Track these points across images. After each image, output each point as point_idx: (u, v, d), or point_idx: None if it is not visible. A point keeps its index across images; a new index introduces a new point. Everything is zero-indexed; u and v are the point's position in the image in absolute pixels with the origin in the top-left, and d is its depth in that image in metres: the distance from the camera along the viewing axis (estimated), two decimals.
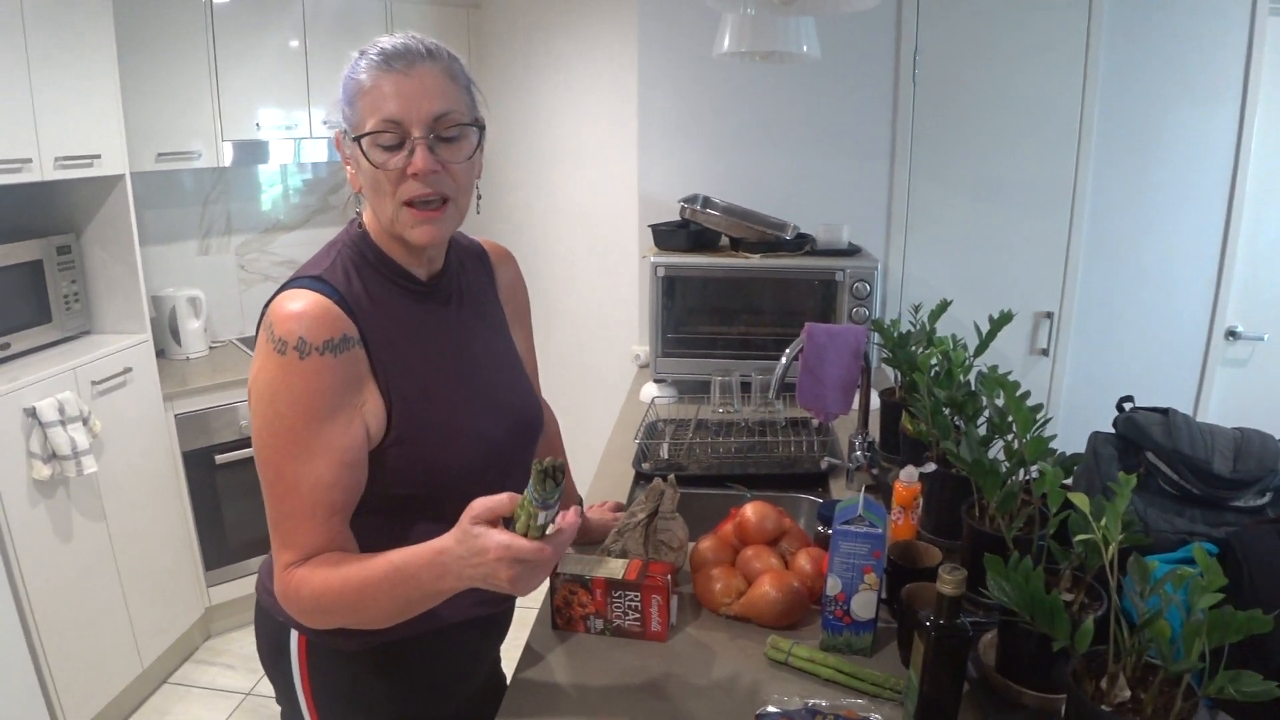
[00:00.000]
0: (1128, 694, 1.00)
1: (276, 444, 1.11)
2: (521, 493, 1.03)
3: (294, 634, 1.29)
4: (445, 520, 1.06)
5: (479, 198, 1.28)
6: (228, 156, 3.36)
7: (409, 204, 1.15)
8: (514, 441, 1.35)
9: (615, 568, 1.44)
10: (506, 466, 1.33)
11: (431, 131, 1.13)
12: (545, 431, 1.49)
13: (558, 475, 0.98)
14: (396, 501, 1.21)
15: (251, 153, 3.48)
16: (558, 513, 1.01)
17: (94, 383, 2.76)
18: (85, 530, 2.71)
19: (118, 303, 3.04)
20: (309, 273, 1.18)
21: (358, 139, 1.13)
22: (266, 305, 1.15)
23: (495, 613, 1.39)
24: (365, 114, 1.12)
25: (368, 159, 1.13)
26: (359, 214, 1.26)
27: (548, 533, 1.00)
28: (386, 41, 1.14)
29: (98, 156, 2.76)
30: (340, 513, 1.13)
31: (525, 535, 0.99)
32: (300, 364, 1.09)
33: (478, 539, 0.99)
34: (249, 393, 1.14)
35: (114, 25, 2.81)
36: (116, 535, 2.84)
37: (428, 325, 1.26)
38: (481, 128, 1.21)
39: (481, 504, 1.01)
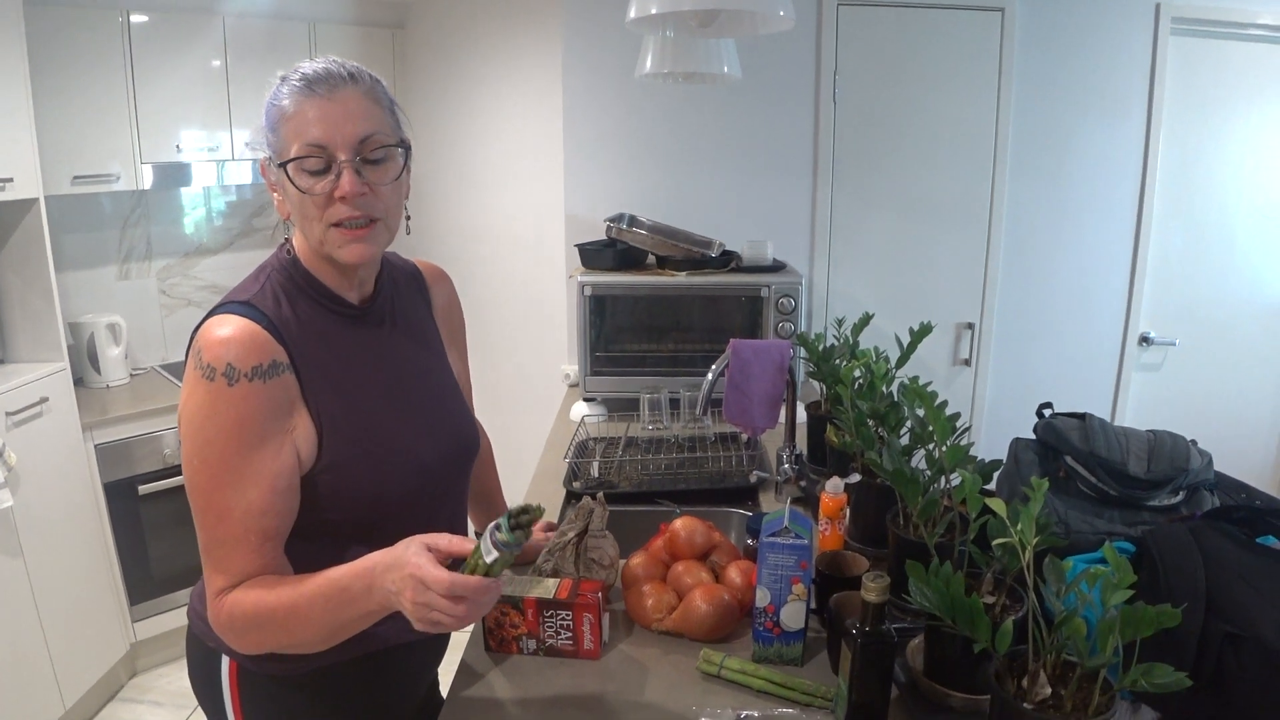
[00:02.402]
0: (1049, 691, 1.03)
1: (207, 471, 1.10)
2: (453, 517, 1.02)
3: (225, 660, 1.27)
4: (378, 545, 1.05)
5: (408, 218, 1.28)
6: (147, 179, 3.28)
7: (337, 225, 1.14)
8: (449, 465, 1.35)
9: (547, 587, 1.44)
10: (441, 491, 1.33)
11: (357, 154, 1.13)
12: (479, 454, 1.49)
13: (527, 524, 0.99)
14: (329, 526, 1.20)
15: (172, 175, 3.41)
16: (506, 559, 1.00)
17: (9, 413, 2.67)
18: (1, 567, 2.62)
19: (33, 330, 2.95)
20: (237, 298, 1.17)
21: (283, 165, 1.13)
22: (195, 331, 1.14)
23: (425, 638, 1.38)
24: (289, 139, 1.12)
25: (294, 184, 1.13)
26: (288, 239, 1.25)
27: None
28: (308, 66, 1.14)
29: (10, 180, 2.68)
30: (273, 539, 1.12)
31: (474, 571, 0.99)
32: (229, 390, 1.08)
33: (404, 550, 1.00)
34: (179, 420, 1.13)
35: (26, 44, 2.73)
36: (35, 571, 2.74)
37: (360, 349, 1.25)
38: (407, 148, 1.21)
39: (438, 537, 1.02)
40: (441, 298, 1.47)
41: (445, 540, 1.02)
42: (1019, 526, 1.11)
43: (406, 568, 0.99)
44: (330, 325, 1.22)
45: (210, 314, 1.16)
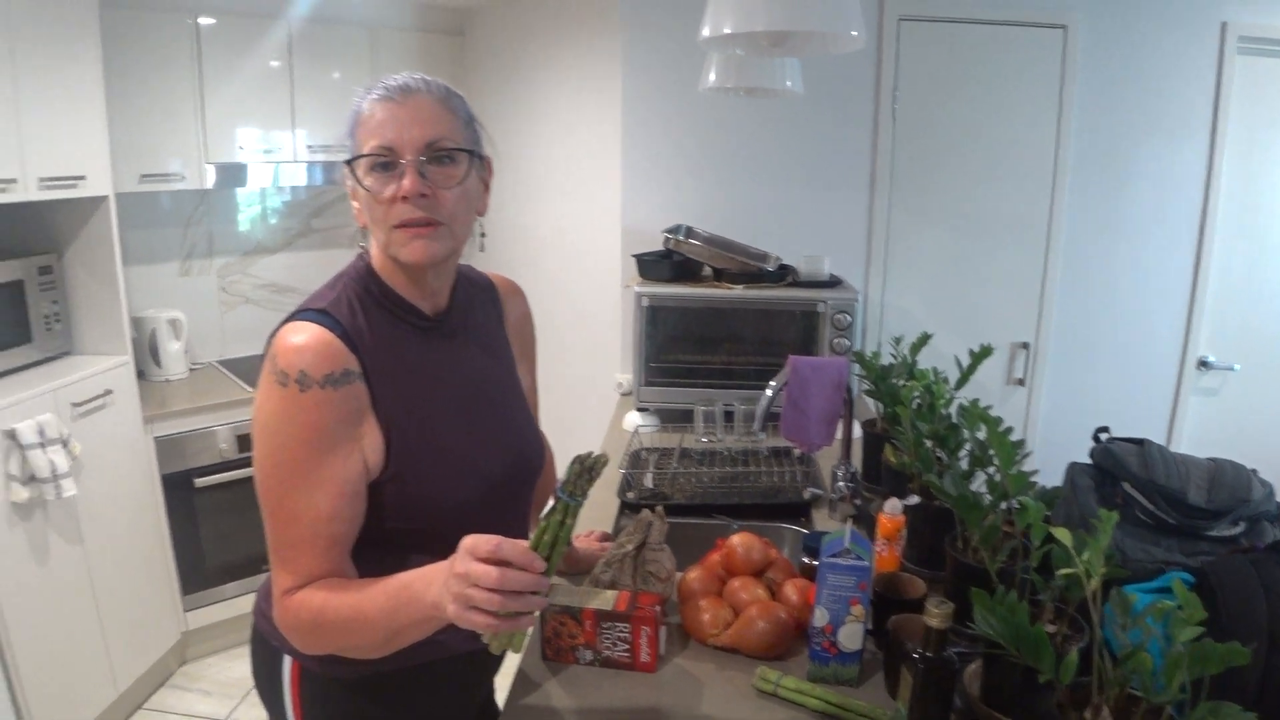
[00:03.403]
0: None
1: (277, 475, 1.12)
2: (516, 531, 1.04)
3: (287, 660, 1.29)
4: (440, 555, 1.07)
5: (483, 234, 1.30)
6: (210, 179, 3.36)
7: (400, 225, 1.16)
8: (513, 479, 1.36)
9: (605, 599, 1.45)
10: (504, 503, 1.34)
11: (422, 155, 1.14)
12: (544, 467, 1.51)
13: (593, 469, 1.04)
14: (393, 535, 1.22)
15: (233, 175, 3.49)
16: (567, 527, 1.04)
17: (74, 404, 2.74)
18: (62, 553, 2.69)
19: (99, 324, 3.03)
20: (313, 305, 1.19)
21: (350, 162, 1.17)
22: (271, 336, 1.17)
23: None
24: (361, 141, 1.16)
25: (361, 184, 1.16)
26: (365, 248, 1.28)
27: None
28: (391, 79, 1.17)
29: (82, 177, 2.76)
30: (340, 543, 1.14)
31: (546, 556, 1.02)
32: (301, 397, 1.11)
33: (470, 557, 1.00)
34: (252, 423, 1.15)
35: (101, 46, 2.81)
36: (94, 559, 2.82)
37: (431, 360, 1.27)
38: (477, 156, 1.22)
39: (486, 536, 1.02)
40: (515, 312, 1.49)
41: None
42: (1084, 556, 1.10)
43: (454, 567, 1.01)
44: (402, 336, 1.24)
45: (286, 320, 1.18)
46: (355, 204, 1.21)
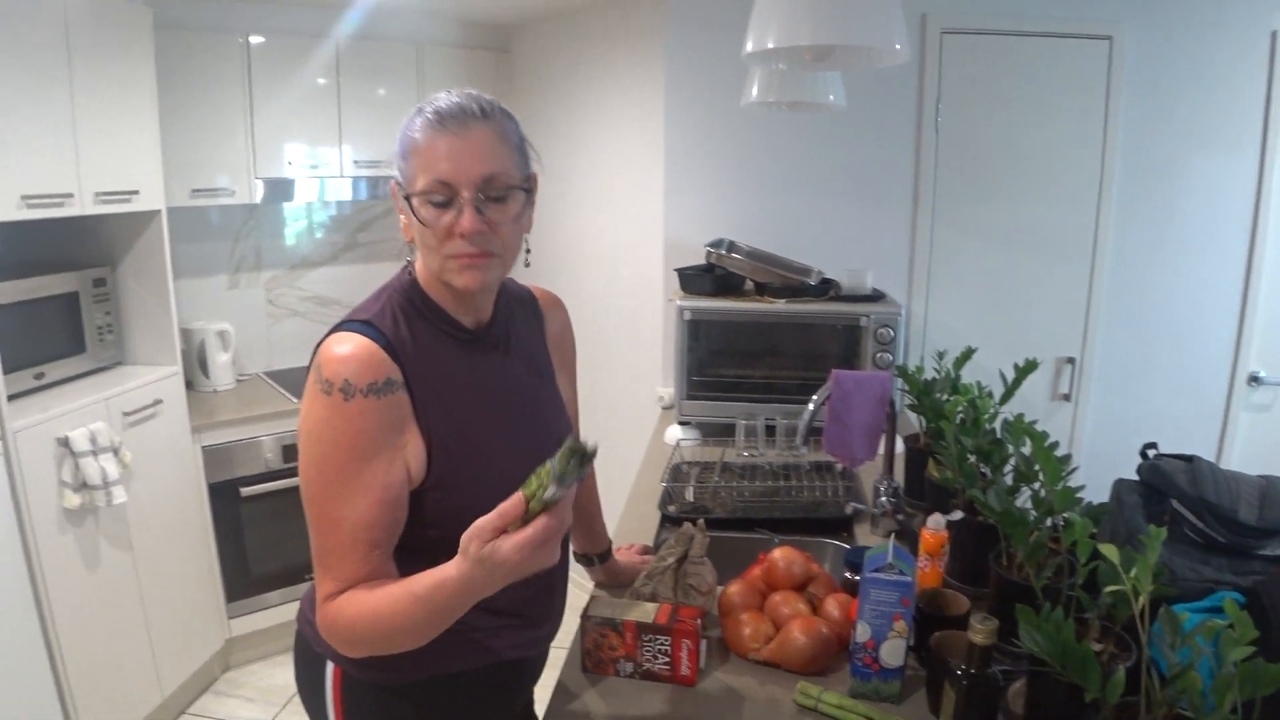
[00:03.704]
0: None
1: (321, 481, 1.14)
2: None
3: (330, 665, 1.31)
4: None
5: (528, 251, 1.31)
6: (259, 194, 3.43)
7: (453, 256, 1.18)
8: None
9: (646, 611, 1.45)
10: None
11: (480, 192, 1.15)
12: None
13: (585, 458, 1.00)
14: (432, 543, 1.22)
15: (281, 190, 3.55)
16: (567, 491, 1.02)
17: (125, 413, 2.80)
18: (112, 559, 2.74)
19: (150, 335, 3.10)
20: (358, 317, 1.21)
21: (408, 197, 1.17)
22: (317, 347, 1.19)
23: (529, 655, 1.41)
24: (417, 171, 1.16)
25: (417, 217, 1.16)
26: (410, 262, 1.29)
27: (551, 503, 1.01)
28: (443, 100, 1.17)
29: (136, 192, 2.83)
30: (381, 548, 1.16)
31: (529, 503, 1.00)
32: (345, 405, 1.13)
33: (493, 556, 1.00)
34: (298, 431, 1.17)
35: (154, 65, 2.89)
36: (142, 565, 2.87)
37: (473, 372, 1.28)
38: (529, 189, 1.24)
39: (478, 526, 1.02)
40: (555, 324, 1.50)
41: (483, 529, 1.02)
42: (1132, 574, 1.09)
43: (508, 562, 1.01)
44: (445, 348, 1.26)
45: (332, 331, 1.20)
46: (403, 217, 1.22)
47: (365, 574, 1.15)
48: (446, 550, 1.23)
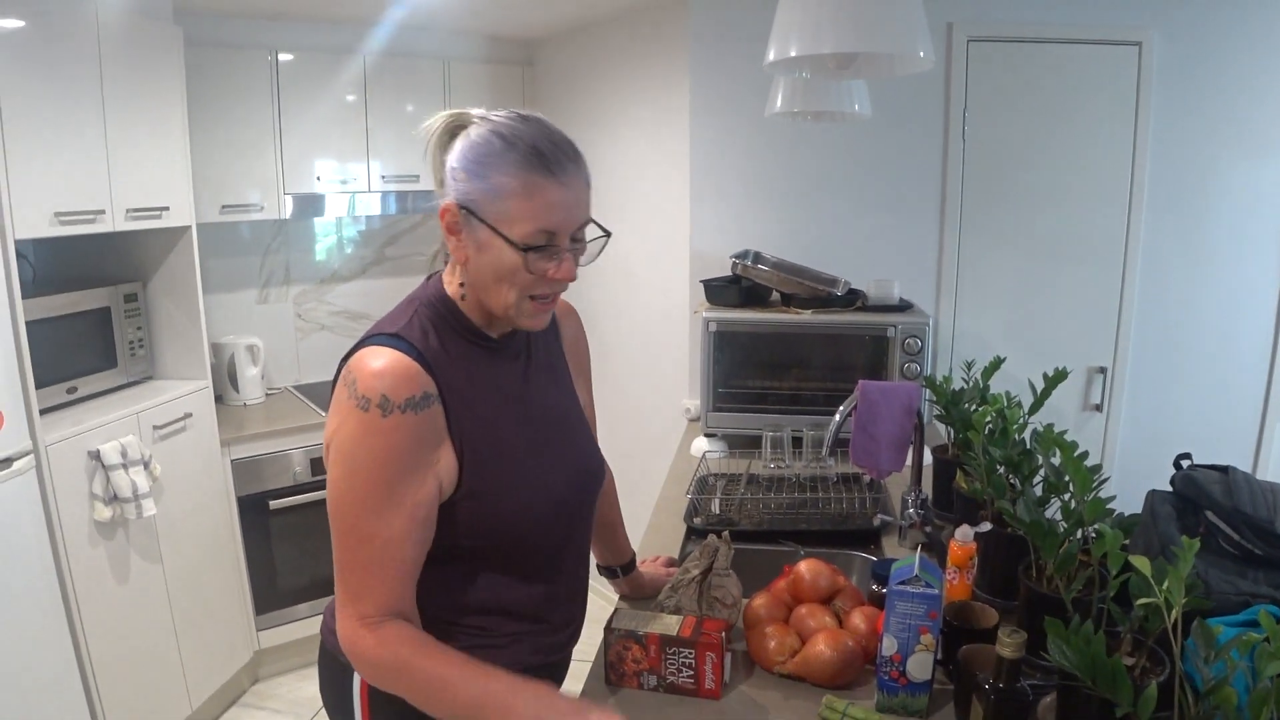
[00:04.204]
0: None
1: (354, 496, 1.14)
2: (579, 548, 1.03)
3: (357, 676, 1.30)
4: (510, 572, 1.09)
5: None
6: (288, 209, 3.46)
7: (535, 298, 1.20)
8: (578, 496, 1.39)
9: (670, 624, 1.44)
10: (570, 521, 1.36)
11: (577, 241, 1.19)
12: (603, 486, 1.52)
13: None
14: (463, 552, 1.23)
15: (310, 205, 3.59)
16: None
17: (155, 427, 2.83)
18: (141, 571, 2.77)
19: (180, 349, 3.13)
20: (387, 329, 1.21)
21: (524, 249, 1.15)
22: (344, 360, 1.19)
23: (551, 661, 1.41)
24: (518, 216, 1.14)
25: (528, 269, 1.16)
26: (437, 273, 1.30)
27: None
28: (538, 138, 1.15)
29: (166, 208, 2.87)
30: (408, 566, 1.16)
31: None
32: (383, 422, 1.12)
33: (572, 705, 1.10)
34: (326, 447, 1.17)
35: (185, 82, 2.93)
36: (171, 577, 2.90)
37: (499, 380, 1.29)
38: (608, 236, 1.27)
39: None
40: (570, 332, 1.51)
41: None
42: (1165, 586, 1.07)
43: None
44: (472, 356, 1.26)
45: (360, 344, 1.20)
46: (454, 239, 1.19)
47: (395, 597, 1.15)
48: (477, 558, 1.24)
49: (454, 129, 1.20)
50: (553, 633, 1.38)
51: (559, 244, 1.16)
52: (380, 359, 1.15)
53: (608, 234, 1.24)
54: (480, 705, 1.09)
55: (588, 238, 1.23)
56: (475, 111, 1.20)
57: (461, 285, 1.25)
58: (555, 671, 1.47)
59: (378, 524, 1.13)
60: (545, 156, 1.14)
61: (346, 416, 1.14)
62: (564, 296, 1.52)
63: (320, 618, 1.42)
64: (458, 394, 1.21)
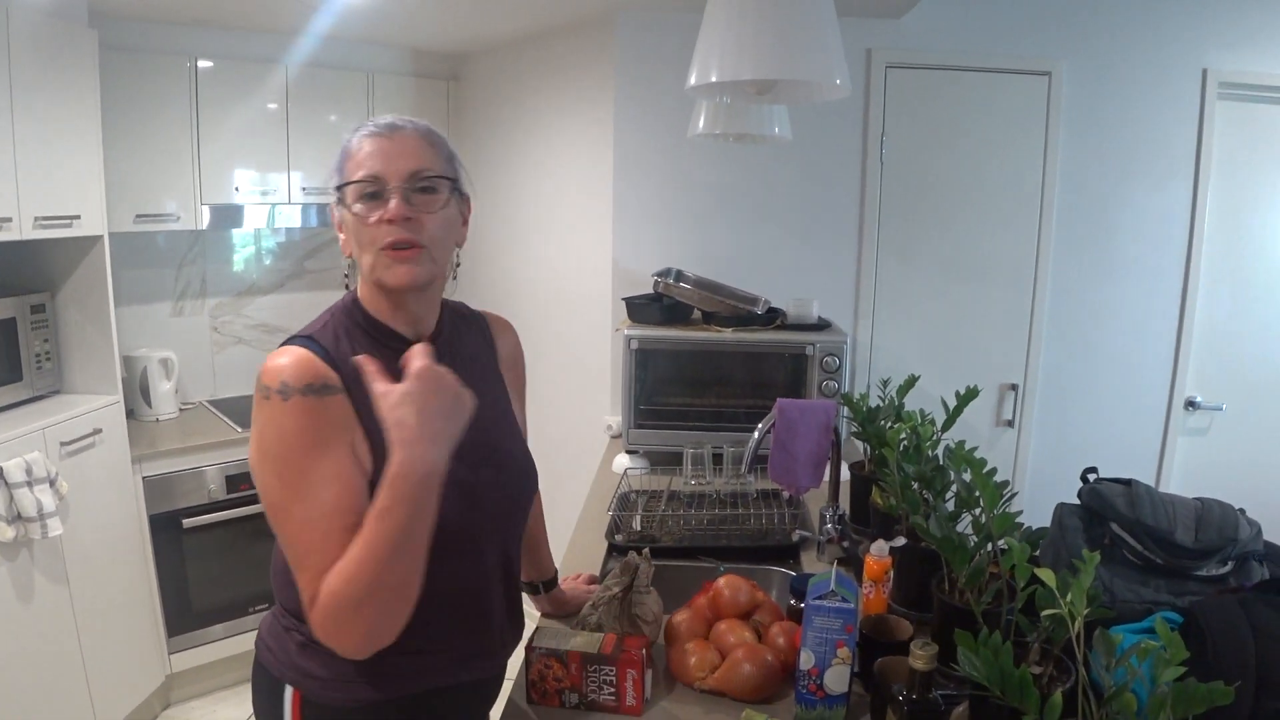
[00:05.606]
0: None
1: (281, 485, 1.14)
2: (506, 554, 1.01)
3: (289, 690, 1.29)
4: (436, 560, 1.12)
5: (457, 265, 1.33)
6: (205, 220, 3.38)
7: (385, 249, 1.22)
8: (502, 499, 1.38)
9: (591, 641, 1.44)
10: (494, 524, 1.36)
11: (406, 184, 1.21)
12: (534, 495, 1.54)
13: None
14: None
15: (227, 216, 3.51)
16: None
17: (63, 443, 2.73)
18: (46, 594, 2.66)
19: (89, 363, 3.02)
20: (301, 334, 1.25)
21: (340, 188, 1.24)
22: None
23: (485, 677, 1.40)
24: (350, 173, 1.24)
25: (350, 210, 1.22)
26: (353, 288, 1.33)
27: None
28: (377, 118, 1.26)
29: (77, 217, 2.77)
30: (344, 534, 1.12)
31: None
32: (285, 404, 1.15)
33: (387, 413, 1.09)
34: (250, 457, 1.18)
35: (99, 87, 2.85)
36: (78, 599, 2.79)
37: None
38: (457, 187, 1.29)
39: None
40: (507, 347, 1.53)
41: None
42: (1069, 598, 1.11)
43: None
44: (386, 360, 1.23)
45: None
46: (342, 235, 1.27)
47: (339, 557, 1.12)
48: None
49: None
50: (470, 659, 1.36)
51: (388, 187, 1.21)
52: (284, 356, 1.19)
53: (450, 180, 1.27)
54: (393, 515, 1.07)
55: (445, 191, 1.26)
56: None
57: (360, 280, 1.30)
58: (491, 684, 1.44)
59: (314, 501, 1.13)
60: (376, 124, 1.25)
61: (257, 412, 1.17)
62: (495, 311, 1.53)
63: (238, 639, 1.40)
64: (367, 393, 1.16)
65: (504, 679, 1.48)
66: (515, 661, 1.47)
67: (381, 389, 1.09)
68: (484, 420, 1.35)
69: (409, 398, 1.08)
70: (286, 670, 1.27)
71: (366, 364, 1.12)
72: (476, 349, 1.44)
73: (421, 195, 1.23)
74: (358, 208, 1.22)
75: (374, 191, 1.21)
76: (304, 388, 1.15)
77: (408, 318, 1.31)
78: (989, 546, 1.42)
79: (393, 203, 1.20)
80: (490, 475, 1.34)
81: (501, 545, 1.39)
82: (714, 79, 1.45)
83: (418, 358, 1.11)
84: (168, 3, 3.13)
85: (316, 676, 1.25)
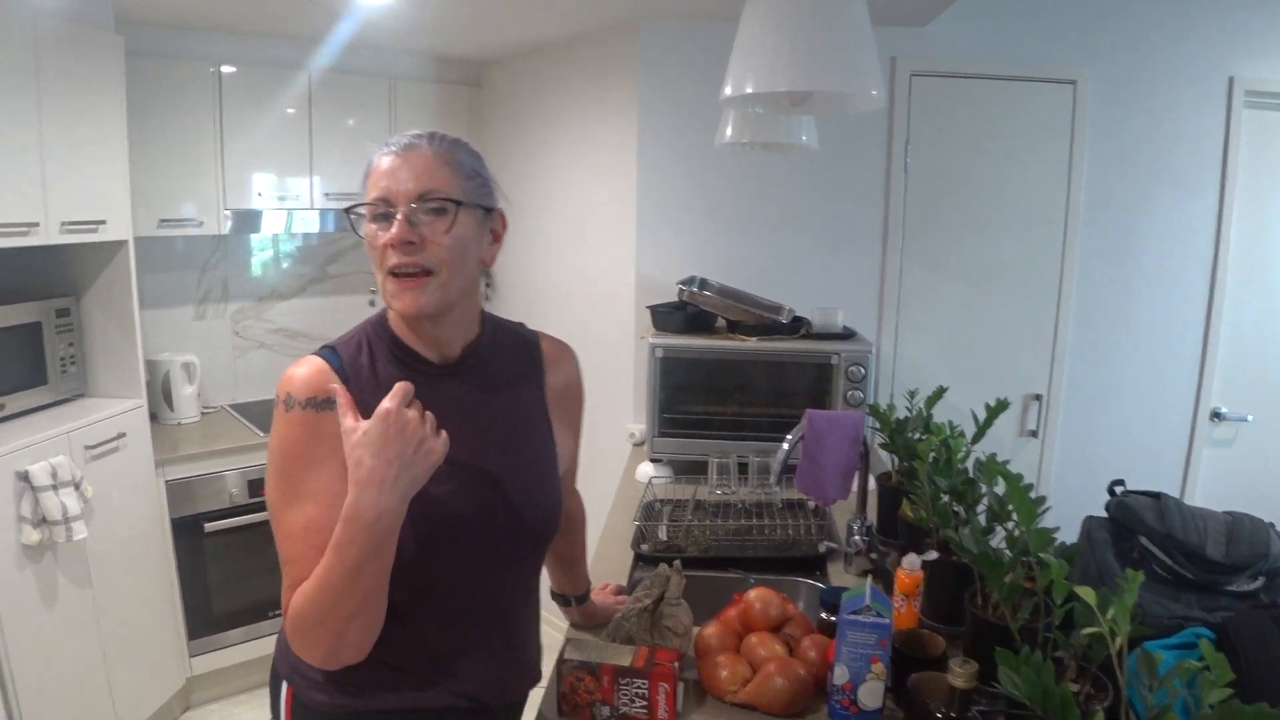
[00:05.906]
0: None
1: (275, 491, 1.19)
2: (513, 597, 1.02)
3: (285, 685, 1.32)
4: (419, 587, 1.16)
5: (488, 284, 1.33)
6: (227, 225, 3.40)
7: (393, 274, 1.21)
8: (510, 534, 1.32)
9: (623, 654, 1.44)
10: (499, 558, 1.32)
11: (414, 204, 1.19)
12: (571, 522, 1.56)
13: None
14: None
15: (249, 221, 3.52)
16: None
17: (87, 447, 2.74)
18: (70, 596, 2.68)
19: (114, 367, 3.04)
20: (328, 344, 1.28)
21: (348, 210, 1.24)
22: None
23: (481, 710, 1.35)
24: (367, 191, 1.23)
25: (356, 231, 1.24)
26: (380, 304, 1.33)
27: None
28: (402, 134, 1.25)
29: (103, 222, 2.79)
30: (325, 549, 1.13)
31: None
32: (287, 415, 1.19)
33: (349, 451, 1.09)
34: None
35: (125, 93, 2.86)
36: (101, 602, 2.80)
37: (428, 403, 1.17)
38: (478, 207, 1.25)
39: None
40: (559, 376, 1.47)
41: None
42: (1110, 615, 1.10)
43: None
44: (411, 381, 1.19)
45: None
46: (372, 253, 1.27)
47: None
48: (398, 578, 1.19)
49: None
50: (462, 686, 1.32)
51: (394, 209, 1.19)
52: (302, 366, 1.22)
53: (459, 203, 1.21)
54: (346, 551, 1.08)
55: (458, 214, 1.22)
56: None
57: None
58: (500, 711, 1.41)
59: (296, 513, 1.16)
60: (395, 142, 1.23)
61: (274, 418, 1.21)
62: (530, 325, 1.50)
63: (259, 642, 1.42)
64: (371, 410, 1.14)
65: (524, 702, 1.46)
66: (545, 670, 1.47)
67: (349, 425, 1.10)
68: (490, 453, 1.31)
69: (367, 439, 1.08)
70: (284, 665, 1.31)
71: (341, 394, 1.12)
72: (514, 375, 1.40)
73: (431, 217, 1.20)
74: (370, 228, 1.22)
75: (384, 213, 1.20)
76: (305, 401, 1.18)
77: (428, 340, 1.29)
78: (1023, 561, 1.41)
79: (395, 227, 1.18)
80: (484, 509, 1.28)
81: (496, 586, 1.33)
82: (749, 90, 1.44)
83: (388, 398, 1.09)
84: (192, 9, 3.15)
85: (305, 676, 1.27)
